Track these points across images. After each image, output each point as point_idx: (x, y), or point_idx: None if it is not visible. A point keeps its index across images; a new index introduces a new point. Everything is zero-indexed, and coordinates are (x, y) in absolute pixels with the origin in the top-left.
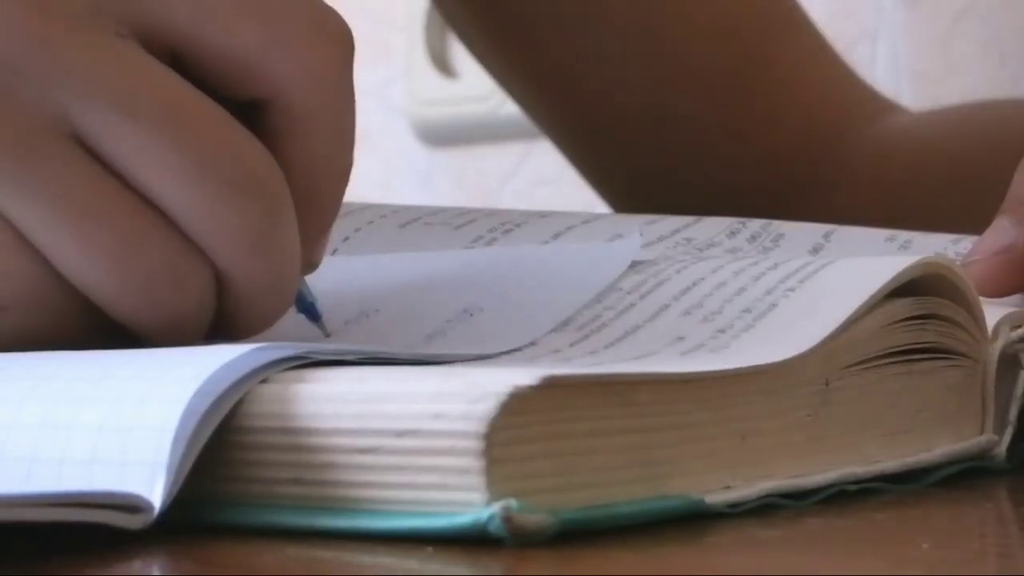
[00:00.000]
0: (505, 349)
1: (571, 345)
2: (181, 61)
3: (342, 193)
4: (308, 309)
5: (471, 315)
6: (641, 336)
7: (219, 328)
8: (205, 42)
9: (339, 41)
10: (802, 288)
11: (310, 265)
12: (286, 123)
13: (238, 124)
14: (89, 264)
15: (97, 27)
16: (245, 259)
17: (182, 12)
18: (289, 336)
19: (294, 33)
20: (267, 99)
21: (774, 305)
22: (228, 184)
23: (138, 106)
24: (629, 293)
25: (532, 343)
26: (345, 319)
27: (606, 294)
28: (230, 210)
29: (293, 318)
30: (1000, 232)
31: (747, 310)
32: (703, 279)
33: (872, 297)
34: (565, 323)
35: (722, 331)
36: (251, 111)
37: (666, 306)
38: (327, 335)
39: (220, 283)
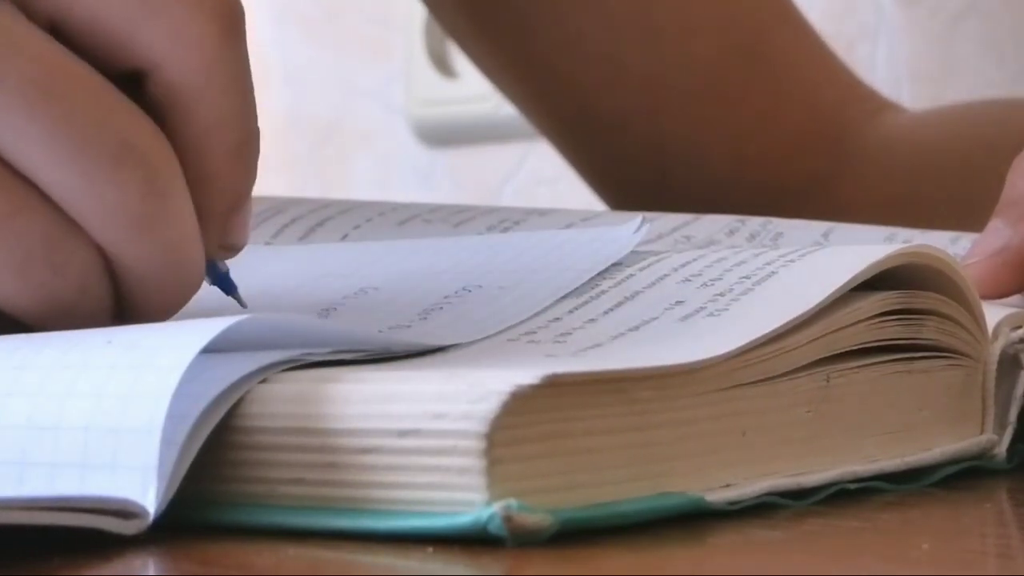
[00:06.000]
0: (503, 326)
1: (570, 312)
2: (59, 31)
3: (245, 171)
4: (221, 281)
5: (469, 291)
6: (640, 302)
7: (125, 313)
8: (77, 10)
9: (221, 13)
10: (802, 261)
11: (229, 249)
12: (167, 96)
13: (116, 91)
14: None
15: None
16: (129, 236)
17: None
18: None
19: (170, 2)
20: (146, 71)
21: (774, 273)
22: (104, 156)
23: (4, 73)
24: (628, 267)
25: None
26: (344, 295)
27: (605, 270)
28: (107, 184)
29: (210, 291)
30: (994, 234)
31: (746, 276)
32: (703, 255)
33: (867, 269)
34: None
35: (721, 295)
36: (135, 85)
37: (665, 275)
38: (244, 306)
39: (110, 264)
